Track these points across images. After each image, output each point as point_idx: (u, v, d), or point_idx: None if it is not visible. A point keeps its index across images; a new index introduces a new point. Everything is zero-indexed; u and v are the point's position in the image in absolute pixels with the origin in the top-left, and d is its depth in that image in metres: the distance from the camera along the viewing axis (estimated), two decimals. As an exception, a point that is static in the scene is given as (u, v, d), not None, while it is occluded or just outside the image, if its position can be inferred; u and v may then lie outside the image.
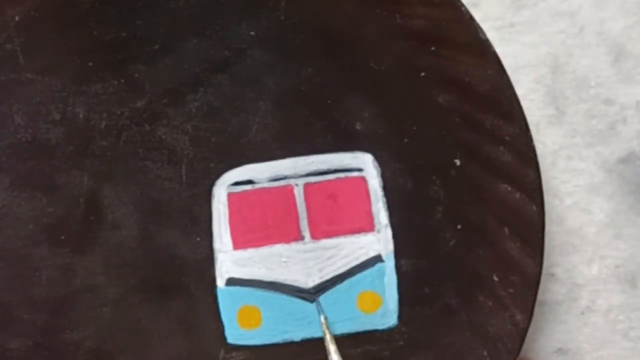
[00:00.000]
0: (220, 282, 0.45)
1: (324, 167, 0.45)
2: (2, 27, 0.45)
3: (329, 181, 0.45)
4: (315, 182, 0.45)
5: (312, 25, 0.46)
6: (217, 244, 0.45)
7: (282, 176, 0.45)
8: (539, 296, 0.44)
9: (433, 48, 0.44)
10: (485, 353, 0.44)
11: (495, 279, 0.44)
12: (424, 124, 0.45)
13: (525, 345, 0.44)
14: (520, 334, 0.44)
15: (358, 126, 0.46)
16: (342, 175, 0.45)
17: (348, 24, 0.45)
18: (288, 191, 0.45)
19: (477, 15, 0.45)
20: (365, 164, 0.45)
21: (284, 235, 0.45)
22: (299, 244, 0.45)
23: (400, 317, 0.45)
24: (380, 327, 0.45)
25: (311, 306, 0.45)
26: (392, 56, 0.45)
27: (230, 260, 0.45)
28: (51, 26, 0.45)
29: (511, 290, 0.44)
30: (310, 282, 0.45)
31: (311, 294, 0.45)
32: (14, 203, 0.45)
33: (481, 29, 0.44)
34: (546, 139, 0.49)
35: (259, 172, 0.45)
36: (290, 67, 0.46)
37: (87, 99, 0.45)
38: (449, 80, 0.44)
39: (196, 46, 0.45)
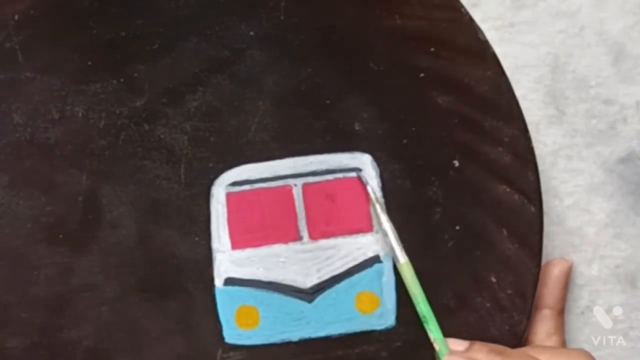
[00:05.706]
0: (218, 282, 0.45)
1: (323, 167, 0.45)
2: (1, 26, 0.45)
3: (328, 181, 0.45)
4: (314, 183, 0.45)
5: (312, 25, 0.45)
6: (215, 244, 0.45)
7: (280, 176, 0.45)
8: (539, 297, 0.45)
9: (432, 49, 0.44)
10: (483, 354, 0.44)
11: (494, 280, 0.44)
12: (422, 125, 0.45)
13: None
14: (518, 335, 0.44)
15: (357, 126, 0.45)
16: (340, 175, 0.45)
17: (348, 24, 0.45)
18: (287, 191, 0.45)
19: (477, 16, 0.45)
20: (364, 164, 0.45)
21: (283, 236, 0.45)
22: (297, 244, 0.45)
23: (398, 317, 0.45)
24: (378, 328, 0.45)
25: (309, 306, 0.45)
26: (392, 57, 0.45)
27: (228, 260, 0.45)
28: (50, 25, 0.45)
29: (509, 292, 0.44)
30: (308, 282, 0.45)
31: (309, 294, 0.45)
32: (12, 202, 0.45)
33: (480, 30, 0.44)
34: (546, 139, 0.49)
35: (258, 172, 0.45)
36: (290, 67, 0.46)
37: (86, 98, 0.45)
38: (448, 81, 0.44)
39: (196, 46, 0.45)
